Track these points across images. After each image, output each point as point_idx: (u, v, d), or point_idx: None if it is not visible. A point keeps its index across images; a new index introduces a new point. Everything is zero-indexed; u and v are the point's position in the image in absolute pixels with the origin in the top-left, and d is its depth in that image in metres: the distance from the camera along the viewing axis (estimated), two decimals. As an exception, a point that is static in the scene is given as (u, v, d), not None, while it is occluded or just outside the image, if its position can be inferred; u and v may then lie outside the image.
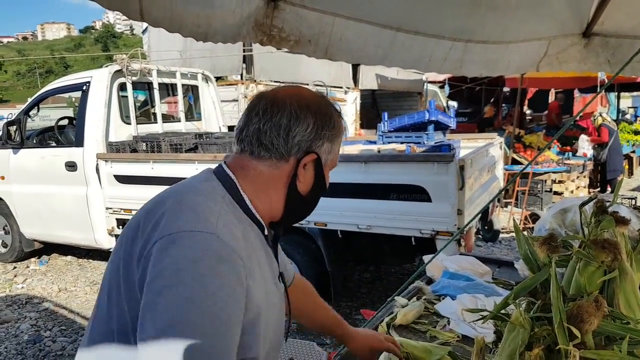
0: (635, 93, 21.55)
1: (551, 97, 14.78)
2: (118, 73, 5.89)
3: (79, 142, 5.77)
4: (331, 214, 4.31)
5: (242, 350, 0.96)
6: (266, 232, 1.13)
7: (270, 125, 1.07)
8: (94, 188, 5.66)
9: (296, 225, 4.74)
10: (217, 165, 1.15)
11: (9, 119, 8.45)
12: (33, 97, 6.51)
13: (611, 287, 1.13)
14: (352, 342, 1.54)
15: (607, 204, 1.29)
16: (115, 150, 5.71)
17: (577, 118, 10.60)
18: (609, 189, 9.30)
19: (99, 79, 5.81)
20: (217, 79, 8.84)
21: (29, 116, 6.38)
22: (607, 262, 1.10)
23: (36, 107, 6.47)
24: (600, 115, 9.84)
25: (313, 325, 1.60)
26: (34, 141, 6.51)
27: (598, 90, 2.89)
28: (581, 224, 1.24)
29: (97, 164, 5.57)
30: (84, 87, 5.82)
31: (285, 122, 1.07)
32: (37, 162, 6.13)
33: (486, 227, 6.73)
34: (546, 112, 13.28)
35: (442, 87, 14.01)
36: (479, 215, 4.74)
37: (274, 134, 1.08)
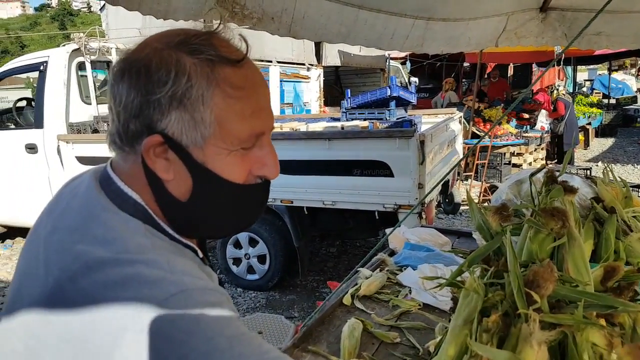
0: (591, 66, 22.12)
1: (510, 72, 15.07)
2: (76, 52, 5.75)
3: (38, 123, 5.64)
4: (296, 191, 4.35)
5: None
6: (200, 255, 0.86)
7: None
8: (55, 170, 5.54)
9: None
10: (100, 173, 0.84)
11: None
12: (-11, 79, 6.30)
13: (560, 253, 1.18)
14: None
15: (557, 173, 1.37)
16: (77, 131, 5.59)
17: (534, 92, 10.83)
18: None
19: (57, 59, 5.65)
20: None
21: (-14, 99, 6.20)
22: (556, 229, 1.15)
23: (-7, 89, 6.26)
24: (557, 89, 10.11)
25: None
26: (-8, 124, 6.32)
27: (553, 63, 2.99)
28: (531, 194, 1.31)
29: (59, 146, 5.44)
30: (42, 67, 5.66)
31: (109, 91, 0.78)
32: None
33: (447, 200, 6.90)
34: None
35: (404, 64, 14.10)
36: (440, 189, 4.85)
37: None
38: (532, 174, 1.35)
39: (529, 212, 1.31)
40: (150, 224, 0.77)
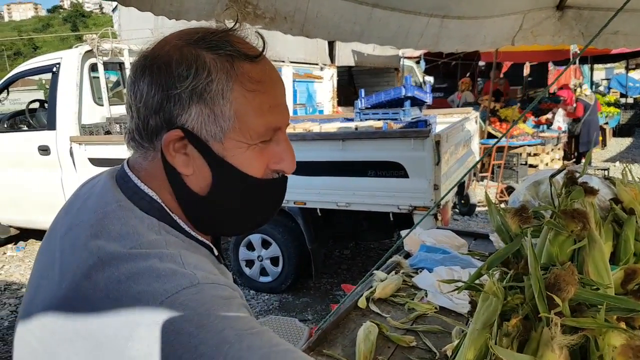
0: (608, 65, 21.81)
1: (526, 70, 14.92)
2: (89, 53, 5.78)
3: (51, 125, 5.68)
4: (310, 192, 4.33)
5: None
6: (216, 253, 0.87)
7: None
8: (68, 172, 5.58)
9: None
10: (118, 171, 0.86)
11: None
12: (2, 81, 6.37)
13: (581, 256, 1.15)
14: None
15: (577, 174, 1.33)
16: (89, 132, 5.63)
17: (554, 90, 10.70)
18: (583, 160, 9.51)
19: (69, 60, 5.69)
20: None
21: (-1, 100, 6.27)
22: (576, 232, 1.12)
23: (6, 91, 6.33)
24: (580, 86, 9.98)
25: None
26: (5, 125, 6.37)
27: (571, 63, 2.93)
28: (551, 195, 1.27)
29: (71, 147, 5.48)
30: (54, 69, 5.71)
31: (128, 88, 0.80)
32: (10, 147, 6.01)
33: (462, 202, 6.84)
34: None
35: (418, 63, 14.03)
36: (456, 190, 4.80)
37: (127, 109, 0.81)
38: (553, 175, 1.32)
39: (547, 214, 1.28)
40: (166, 221, 0.78)
